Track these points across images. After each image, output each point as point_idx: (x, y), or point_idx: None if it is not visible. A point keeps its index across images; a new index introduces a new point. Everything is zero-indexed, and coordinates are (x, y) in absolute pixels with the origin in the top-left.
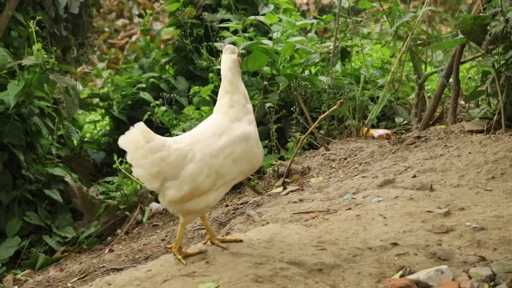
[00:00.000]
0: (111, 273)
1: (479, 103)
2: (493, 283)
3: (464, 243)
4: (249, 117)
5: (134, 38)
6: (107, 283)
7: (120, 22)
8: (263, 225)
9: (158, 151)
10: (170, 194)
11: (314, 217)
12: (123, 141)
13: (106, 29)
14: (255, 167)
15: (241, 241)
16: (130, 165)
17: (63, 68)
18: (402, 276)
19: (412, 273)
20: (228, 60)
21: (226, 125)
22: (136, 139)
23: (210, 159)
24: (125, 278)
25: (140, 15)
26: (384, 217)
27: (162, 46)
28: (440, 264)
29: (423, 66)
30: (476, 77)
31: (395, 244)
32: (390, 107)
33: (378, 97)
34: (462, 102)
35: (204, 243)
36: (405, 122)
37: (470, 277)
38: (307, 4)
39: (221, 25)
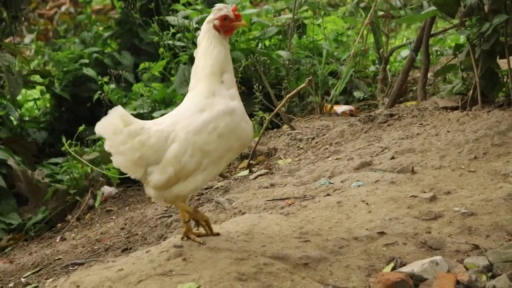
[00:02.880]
0: (71, 268)
1: (447, 77)
2: (490, 273)
3: (454, 230)
4: (231, 92)
5: (63, 8)
6: (74, 285)
7: None
8: (235, 213)
9: (137, 135)
10: (154, 179)
11: (290, 204)
12: (100, 127)
13: None
14: (246, 143)
15: (218, 234)
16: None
17: (3, 45)
18: (393, 268)
19: (404, 265)
20: (202, 29)
21: (205, 102)
22: (115, 124)
23: (194, 137)
24: (95, 279)
25: None
26: (367, 204)
27: (93, 16)
28: (432, 254)
29: (384, 39)
30: (444, 51)
31: (382, 233)
32: (350, 81)
33: (336, 72)
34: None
35: (182, 238)
36: (364, 96)
37: (466, 268)
38: None
39: None
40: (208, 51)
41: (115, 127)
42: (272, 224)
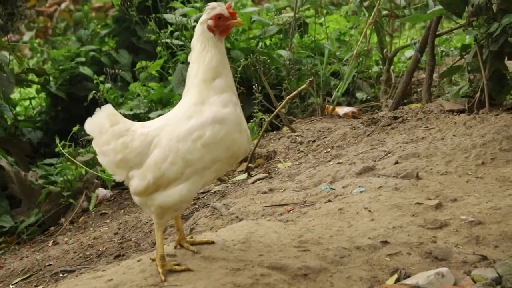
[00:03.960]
0: (61, 275)
1: (452, 79)
2: (499, 286)
3: (461, 240)
4: (223, 97)
5: (63, 5)
6: None
7: None
8: (232, 219)
9: (121, 136)
10: (133, 185)
11: (289, 211)
12: (89, 125)
13: None
14: (238, 155)
15: (213, 242)
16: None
17: None
18: (397, 280)
19: (408, 276)
20: (196, 31)
21: (194, 109)
22: (101, 123)
23: (177, 144)
24: None
25: None
26: (370, 211)
27: (93, 14)
28: (437, 265)
29: (387, 39)
30: (450, 51)
31: (385, 242)
32: (353, 82)
33: (339, 72)
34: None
35: (175, 246)
36: (367, 97)
37: (474, 281)
38: None
39: None
40: (202, 56)
41: (101, 126)
42: (270, 232)
